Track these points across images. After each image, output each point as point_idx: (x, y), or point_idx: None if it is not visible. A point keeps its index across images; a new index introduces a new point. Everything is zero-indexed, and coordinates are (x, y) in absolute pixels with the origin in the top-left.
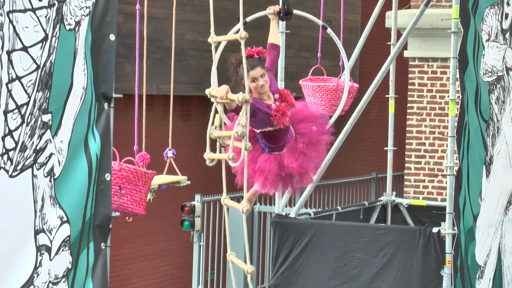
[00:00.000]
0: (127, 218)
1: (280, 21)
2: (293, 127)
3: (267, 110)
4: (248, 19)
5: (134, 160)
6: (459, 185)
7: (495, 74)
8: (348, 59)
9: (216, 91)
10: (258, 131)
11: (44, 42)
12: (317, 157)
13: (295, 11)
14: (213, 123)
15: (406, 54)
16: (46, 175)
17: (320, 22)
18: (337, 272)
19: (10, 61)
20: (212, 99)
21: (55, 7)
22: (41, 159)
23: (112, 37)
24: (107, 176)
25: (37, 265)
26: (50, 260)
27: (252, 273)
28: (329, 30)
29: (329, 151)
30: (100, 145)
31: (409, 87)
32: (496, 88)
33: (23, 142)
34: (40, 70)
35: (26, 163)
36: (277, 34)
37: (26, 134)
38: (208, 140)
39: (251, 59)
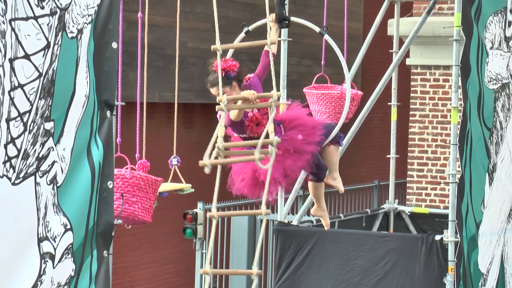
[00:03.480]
0: (126, 225)
1: (282, 29)
2: (284, 133)
3: (242, 118)
4: (250, 27)
5: (135, 167)
6: (461, 193)
7: (500, 82)
8: (350, 66)
9: (247, 94)
10: (236, 135)
11: (46, 50)
12: (294, 165)
13: (293, 18)
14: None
15: (408, 62)
16: (49, 182)
17: (317, 29)
18: (339, 280)
19: (12, 69)
20: (224, 108)
21: (57, 15)
22: (44, 166)
23: (114, 45)
24: (110, 184)
25: (41, 272)
26: (53, 267)
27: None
28: (326, 36)
29: None
30: (102, 152)
31: (411, 94)
32: (501, 95)
33: (25, 149)
34: (42, 77)
35: (28, 171)
36: (273, 42)
37: (29, 141)
38: (210, 148)
39: (215, 75)
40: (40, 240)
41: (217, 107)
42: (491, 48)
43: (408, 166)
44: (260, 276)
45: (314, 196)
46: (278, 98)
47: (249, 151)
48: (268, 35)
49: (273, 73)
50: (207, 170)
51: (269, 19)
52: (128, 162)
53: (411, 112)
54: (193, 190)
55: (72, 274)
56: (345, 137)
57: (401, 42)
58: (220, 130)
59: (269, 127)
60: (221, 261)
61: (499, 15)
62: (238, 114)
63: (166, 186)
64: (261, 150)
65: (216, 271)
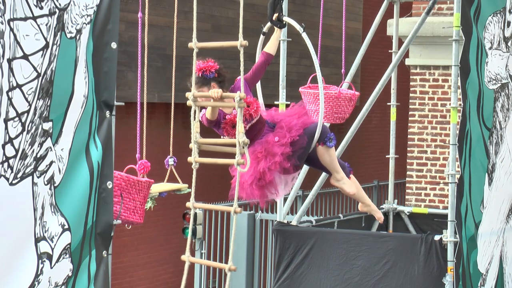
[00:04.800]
0: (126, 225)
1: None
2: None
3: (220, 119)
4: (264, 29)
5: (136, 168)
6: (460, 193)
7: (499, 82)
8: (350, 67)
9: (211, 92)
10: (222, 137)
11: (45, 50)
12: (265, 168)
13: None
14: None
15: (407, 62)
16: (46, 183)
17: (298, 26)
18: (339, 280)
19: (10, 69)
20: (192, 104)
21: (56, 15)
22: (42, 167)
23: (113, 45)
24: (109, 184)
25: (38, 272)
26: (51, 267)
27: (233, 270)
28: (304, 35)
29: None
30: (101, 153)
31: (411, 95)
32: (500, 96)
33: (23, 150)
34: (40, 78)
35: (26, 171)
36: (273, 42)
37: (27, 142)
38: (194, 145)
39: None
40: (37, 240)
41: (187, 102)
42: (490, 48)
43: (408, 166)
44: (260, 276)
45: (349, 196)
46: (240, 99)
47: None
48: (240, 35)
49: (241, 74)
50: (195, 166)
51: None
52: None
53: (410, 112)
54: (190, 190)
55: (70, 274)
56: (345, 137)
57: (400, 42)
58: (195, 126)
59: (239, 127)
60: (221, 260)
61: (498, 15)
62: (211, 112)
63: (163, 186)
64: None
65: (194, 260)
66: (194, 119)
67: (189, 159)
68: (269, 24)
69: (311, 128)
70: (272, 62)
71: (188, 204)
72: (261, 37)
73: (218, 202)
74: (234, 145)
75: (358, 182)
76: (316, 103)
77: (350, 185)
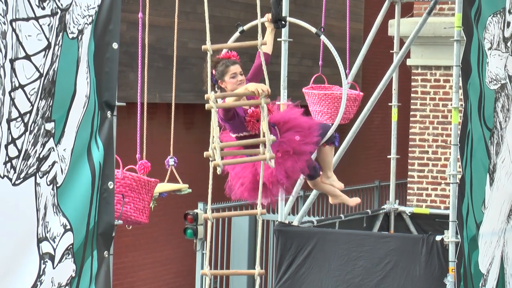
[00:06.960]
0: (127, 226)
1: (282, 29)
2: (280, 135)
3: (243, 114)
4: (246, 27)
5: (136, 168)
6: (462, 193)
7: (499, 82)
8: (351, 67)
9: (261, 87)
10: (233, 135)
11: (47, 50)
12: (294, 167)
13: (290, 19)
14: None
15: (409, 62)
16: (49, 183)
17: (313, 29)
18: (340, 280)
19: (13, 69)
20: (213, 105)
21: (58, 16)
22: (44, 167)
23: (115, 45)
24: (110, 184)
25: (41, 273)
26: (53, 268)
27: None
28: (323, 37)
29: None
30: (103, 153)
31: (412, 95)
32: (501, 96)
33: (26, 150)
34: (43, 78)
35: (29, 172)
36: (269, 41)
37: (29, 142)
38: (213, 148)
39: (230, 59)
40: (39, 241)
41: (206, 105)
42: (490, 48)
43: (409, 167)
44: (261, 277)
45: (321, 190)
46: (267, 95)
47: (250, 151)
48: (259, 35)
49: (265, 72)
50: (219, 171)
51: (265, 19)
52: (121, 163)
53: (411, 113)
54: (190, 190)
55: (73, 275)
56: (346, 138)
57: (401, 43)
58: (214, 131)
59: (263, 126)
60: (222, 262)
61: (498, 15)
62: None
63: (163, 187)
64: (260, 151)
65: (216, 272)
66: (216, 124)
67: (214, 163)
68: (254, 23)
69: (323, 127)
70: (273, 62)
71: (204, 216)
72: (237, 34)
73: (218, 202)
74: (256, 145)
75: (360, 182)
76: (320, 103)
77: (337, 181)
